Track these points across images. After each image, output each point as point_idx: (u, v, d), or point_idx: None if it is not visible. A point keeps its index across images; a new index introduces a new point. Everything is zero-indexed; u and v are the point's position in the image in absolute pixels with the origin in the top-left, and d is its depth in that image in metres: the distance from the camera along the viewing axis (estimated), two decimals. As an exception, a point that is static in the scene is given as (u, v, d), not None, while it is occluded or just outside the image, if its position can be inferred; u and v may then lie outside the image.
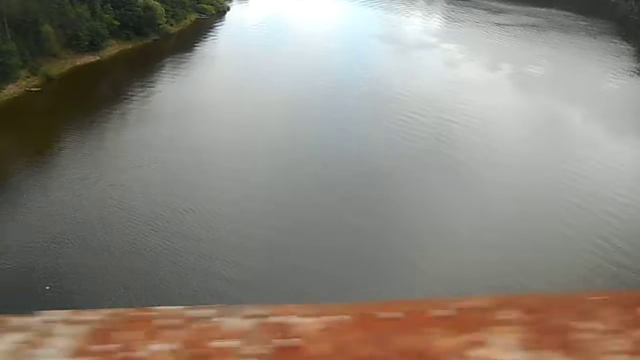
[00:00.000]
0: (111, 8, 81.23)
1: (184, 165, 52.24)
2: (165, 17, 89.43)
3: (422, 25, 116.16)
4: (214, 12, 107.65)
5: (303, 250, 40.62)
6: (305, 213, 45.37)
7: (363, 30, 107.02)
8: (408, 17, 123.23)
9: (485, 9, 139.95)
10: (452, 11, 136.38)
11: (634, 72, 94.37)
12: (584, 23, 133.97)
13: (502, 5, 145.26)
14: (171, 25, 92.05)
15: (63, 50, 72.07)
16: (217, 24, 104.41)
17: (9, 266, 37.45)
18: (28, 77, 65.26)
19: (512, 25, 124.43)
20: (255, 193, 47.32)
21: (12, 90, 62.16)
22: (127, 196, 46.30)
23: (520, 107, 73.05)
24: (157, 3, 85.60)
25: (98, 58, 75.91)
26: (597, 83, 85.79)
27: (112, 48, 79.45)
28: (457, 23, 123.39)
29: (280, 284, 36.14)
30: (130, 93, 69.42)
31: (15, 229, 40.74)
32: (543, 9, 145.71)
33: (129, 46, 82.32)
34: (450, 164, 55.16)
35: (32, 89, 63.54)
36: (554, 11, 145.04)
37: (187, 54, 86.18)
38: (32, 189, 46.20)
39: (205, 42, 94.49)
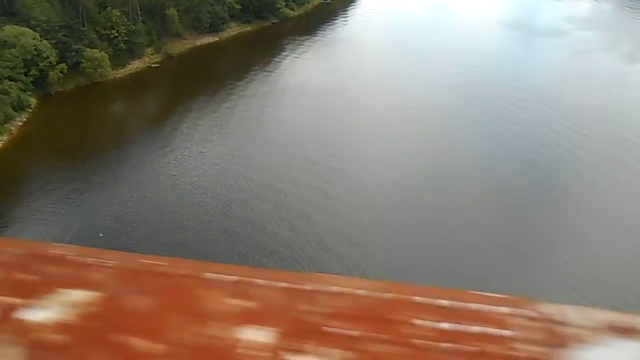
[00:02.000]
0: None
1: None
2: (285, 1, 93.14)
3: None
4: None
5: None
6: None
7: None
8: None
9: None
10: None
11: None
12: None
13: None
14: (292, 9, 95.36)
15: (186, 31, 78.97)
16: (341, 10, 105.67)
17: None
18: (152, 54, 72.89)
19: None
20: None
21: (135, 65, 70.05)
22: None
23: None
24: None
25: (217, 39, 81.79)
26: None
27: (232, 30, 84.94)
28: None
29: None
30: (239, 70, 73.74)
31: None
32: None
33: (248, 28, 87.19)
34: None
35: (152, 65, 71.15)
36: None
37: (303, 37, 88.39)
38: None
39: (323, 27, 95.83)
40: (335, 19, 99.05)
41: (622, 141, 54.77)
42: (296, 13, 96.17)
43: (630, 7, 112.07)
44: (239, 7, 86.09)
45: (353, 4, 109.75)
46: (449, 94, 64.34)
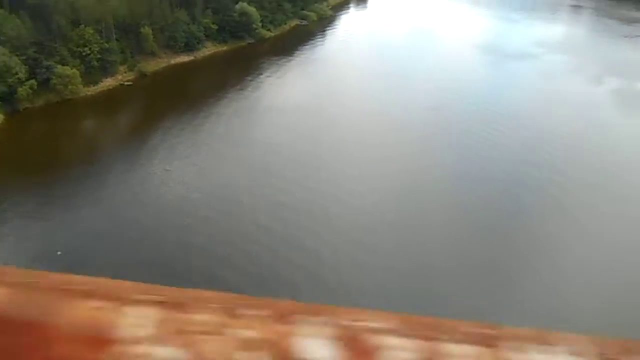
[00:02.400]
0: (211, 13, 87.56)
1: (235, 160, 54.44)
2: (262, 22, 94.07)
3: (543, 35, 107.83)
4: (315, 18, 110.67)
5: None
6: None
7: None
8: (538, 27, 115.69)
9: (630, 21, 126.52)
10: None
11: None
12: None
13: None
14: (268, 30, 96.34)
15: (161, 50, 79.17)
16: (318, 31, 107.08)
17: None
18: (125, 72, 72.77)
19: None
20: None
21: (108, 82, 69.79)
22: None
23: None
24: (253, 9, 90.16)
25: (192, 58, 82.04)
26: None
27: (207, 49, 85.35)
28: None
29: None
30: (214, 90, 73.91)
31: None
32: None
33: (224, 48, 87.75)
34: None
35: (125, 83, 70.98)
36: None
37: (279, 57, 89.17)
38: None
39: (300, 48, 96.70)
40: (312, 40, 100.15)
41: (589, 162, 55.89)
42: (272, 34, 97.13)
43: (600, 31, 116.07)
44: (215, 27, 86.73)
45: (330, 26, 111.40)
46: (427, 116, 65.29)
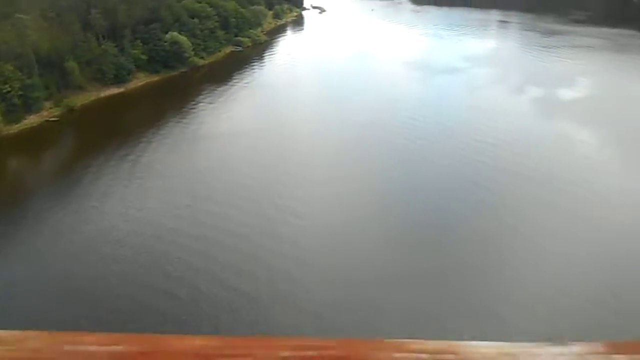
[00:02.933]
0: (140, 44, 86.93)
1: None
2: (194, 50, 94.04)
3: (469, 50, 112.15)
4: (250, 44, 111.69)
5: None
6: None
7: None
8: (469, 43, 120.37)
9: (550, 33, 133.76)
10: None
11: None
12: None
13: (566, 28, 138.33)
14: (201, 57, 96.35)
15: (89, 83, 77.81)
16: (255, 57, 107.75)
17: None
18: (51, 108, 70.76)
19: (567, 47, 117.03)
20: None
21: (32, 120, 67.66)
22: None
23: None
24: (184, 38, 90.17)
25: (122, 90, 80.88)
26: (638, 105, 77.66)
27: (139, 80, 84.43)
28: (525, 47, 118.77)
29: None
30: (146, 120, 72.70)
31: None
32: (618, 30, 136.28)
33: (156, 78, 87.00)
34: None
35: (51, 119, 69.08)
36: (620, 31, 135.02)
37: (215, 84, 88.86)
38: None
39: (237, 74, 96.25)
40: (248, 66, 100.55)
41: (512, 167, 57.93)
42: (206, 61, 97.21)
43: (523, 44, 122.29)
44: (145, 57, 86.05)
45: (266, 51, 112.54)
46: (364, 132, 65.99)
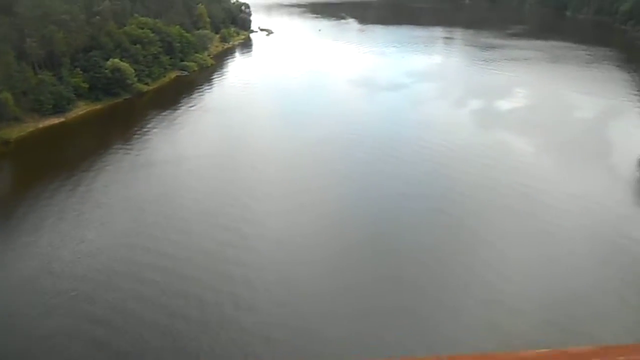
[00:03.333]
0: (81, 72, 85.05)
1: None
2: (138, 76, 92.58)
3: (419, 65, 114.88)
4: (196, 68, 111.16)
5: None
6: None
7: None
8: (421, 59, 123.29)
9: (490, 47, 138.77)
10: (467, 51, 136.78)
11: (621, 96, 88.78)
12: (584, 52, 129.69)
13: (505, 42, 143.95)
14: (146, 83, 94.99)
15: (26, 114, 75.32)
16: (201, 80, 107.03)
17: None
18: (-17, 141, 68.29)
19: (505, 60, 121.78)
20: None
21: (-38, 154, 65.17)
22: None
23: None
24: (125, 64, 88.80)
25: (62, 120, 78.58)
26: (570, 112, 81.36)
27: (80, 109, 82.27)
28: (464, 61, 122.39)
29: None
30: (88, 149, 70.74)
31: None
32: (551, 42, 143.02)
33: (98, 106, 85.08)
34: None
35: (-17, 153, 66.40)
36: (554, 43, 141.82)
37: (161, 110, 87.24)
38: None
39: (184, 99, 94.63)
40: (196, 90, 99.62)
41: (452, 179, 59.19)
42: (151, 87, 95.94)
43: (464, 58, 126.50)
44: (86, 85, 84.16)
45: (214, 74, 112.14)
46: (314, 150, 66.12)
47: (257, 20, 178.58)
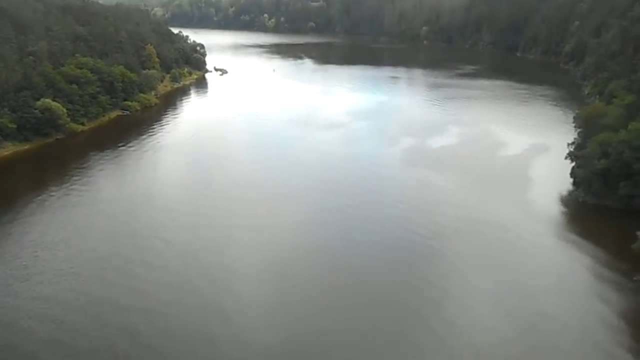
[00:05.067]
0: (9, 112, 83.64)
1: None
2: (72, 116, 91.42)
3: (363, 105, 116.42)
4: (138, 108, 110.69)
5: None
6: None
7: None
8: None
9: (435, 86, 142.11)
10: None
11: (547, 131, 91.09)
12: (525, 91, 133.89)
13: (451, 81, 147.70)
14: (81, 123, 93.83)
15: (-57, 155, 73.49)
16: (142, 119, 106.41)
17: None
18: None
19: (446, 99, 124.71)
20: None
21: None
22: None
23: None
24: (57, 104, 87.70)
25: (-15, 161, 77.01)
26: (497, 149, 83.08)
27: (5, 150, 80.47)
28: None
29: None
30: (7, 193, 68.96)
31: None
32: (496, 81, 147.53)
33: (26, 147, 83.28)
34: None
35: None
36: (498, 82, 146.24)
37: (94, 149, 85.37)
38: None
39: (124, 139, 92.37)
40: (135, 130, 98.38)
41: (380, 211, 59.02)
42: (87, 127, 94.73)
43: (408, 96, 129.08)
44: (14, 126, 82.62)
45: (159, 114, 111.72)
46: (250, 185, 65.72)
47: (214, 60, 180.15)
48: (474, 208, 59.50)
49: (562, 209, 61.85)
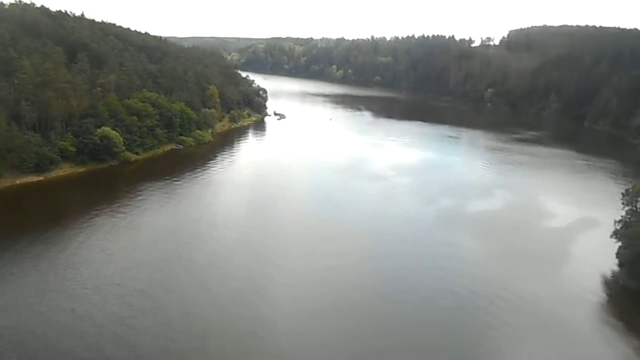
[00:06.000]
0: (71, 136, 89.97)
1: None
2: (129, 145, 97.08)
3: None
4: (193, 143, 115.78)
5: None
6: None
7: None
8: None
9: (490, 149, 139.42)
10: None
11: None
12: (584, 162, 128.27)
13: (507, 146, 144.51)
14: (136, 152, 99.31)
15: (7, 170, 79.26)
16: (194, 154, 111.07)
17: None
18: (-44, 192, 71.83)
19: (497, 163, 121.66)
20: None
21: None
22: None
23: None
24: (115, 133, 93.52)
25: (41, 178, 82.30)
26: (540, 220, 79.29)
27: (62, 170, 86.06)
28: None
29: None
30: (56, 209, 73.19)
31: None
32: (555, 149, 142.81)
33: (81, 169, 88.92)
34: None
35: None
36: (558, 151, 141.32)
37: (139, 178, 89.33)
38: None
39: (175, 171, 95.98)
40: (188, 163, 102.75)
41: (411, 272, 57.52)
42: (141, 157, 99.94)
43: (463, 158, 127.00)
44: (74, 149, 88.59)
45: (211, 150, 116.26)
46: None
47: (276, 105, 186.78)
48: (503, 282, 56.50)
49: (602, 291, 57.51)
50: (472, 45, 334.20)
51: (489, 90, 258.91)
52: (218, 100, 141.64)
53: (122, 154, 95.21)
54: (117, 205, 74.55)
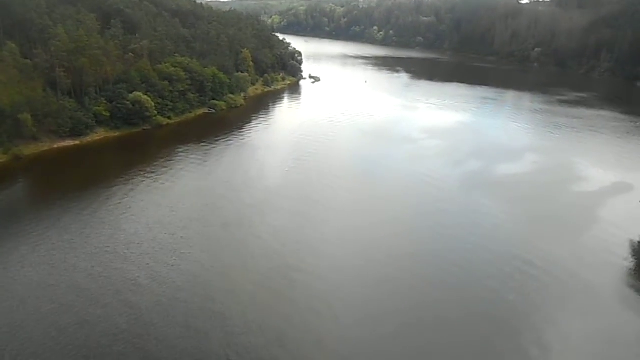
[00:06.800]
0: (105, 101, 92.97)
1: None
2: (161, 109, 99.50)
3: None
4: (224, 107, 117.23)
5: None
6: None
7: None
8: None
9: (530, 111, 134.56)
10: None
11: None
12: (632, 124, 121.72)
13: (550, 108, 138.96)
14: (168, 117, 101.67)
15: (45, 135, 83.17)
16: (227, 118, 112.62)
17: None
18: (-1, 155, 75.90)
19: (537, 125, 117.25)
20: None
21: (-25, 164, 72.85)
22: None
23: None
24: (147, 98, 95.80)
25: (77, 142, 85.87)
26: (571, 184, 76.45)
27: (97, 135, 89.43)
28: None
29: None
30: (90, 171, 76.52)
31: None
32: (600, 111, 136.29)
33: (116, 134, 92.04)
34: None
35: (-7, 165, 73.84)
36: (603, 113, 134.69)
37: (175, 142, 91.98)
38: None
39: (197, 133, 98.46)
40: (219, 127, 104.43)
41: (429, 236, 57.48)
42: (173, 121, 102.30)
43: (498, 121, 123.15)
44: (107, 114, 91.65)
45: (242, 114, 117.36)
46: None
47: (313, 68, 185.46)
48: (526, 245, 55.49)
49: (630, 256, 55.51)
50: (521, 1, 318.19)
51: (536, 49, 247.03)
52: (251, 64, 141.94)
53: (154, 118, 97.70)
54: (151, 167, 77.09)
